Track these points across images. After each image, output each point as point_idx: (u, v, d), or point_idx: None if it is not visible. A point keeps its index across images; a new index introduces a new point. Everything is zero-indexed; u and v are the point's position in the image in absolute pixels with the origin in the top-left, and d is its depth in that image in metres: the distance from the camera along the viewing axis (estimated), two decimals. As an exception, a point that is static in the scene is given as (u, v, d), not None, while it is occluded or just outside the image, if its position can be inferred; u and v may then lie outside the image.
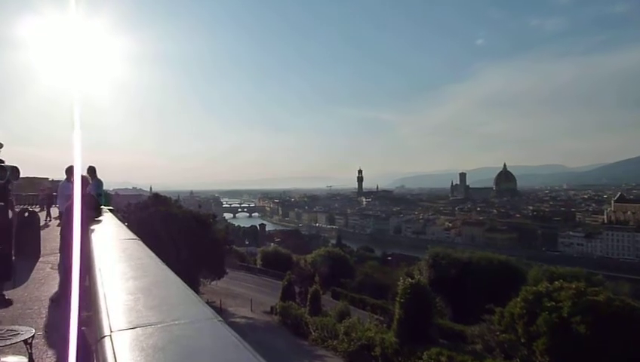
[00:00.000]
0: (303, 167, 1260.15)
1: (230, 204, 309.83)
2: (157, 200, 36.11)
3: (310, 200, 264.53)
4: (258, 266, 51.91)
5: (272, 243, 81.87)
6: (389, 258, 79.75)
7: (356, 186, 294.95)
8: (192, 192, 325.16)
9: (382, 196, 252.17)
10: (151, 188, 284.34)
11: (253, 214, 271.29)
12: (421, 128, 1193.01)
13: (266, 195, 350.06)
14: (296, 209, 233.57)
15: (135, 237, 4.31)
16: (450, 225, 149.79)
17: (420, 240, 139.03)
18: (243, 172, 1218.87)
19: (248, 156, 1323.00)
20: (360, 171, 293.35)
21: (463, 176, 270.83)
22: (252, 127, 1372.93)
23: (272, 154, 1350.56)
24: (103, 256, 2.71)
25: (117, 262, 2.54)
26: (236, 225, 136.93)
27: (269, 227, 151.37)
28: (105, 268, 2.35)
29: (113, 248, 3.37)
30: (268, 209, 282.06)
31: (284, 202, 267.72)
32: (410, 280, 17.99)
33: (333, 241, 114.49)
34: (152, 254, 2.85)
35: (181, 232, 28.98)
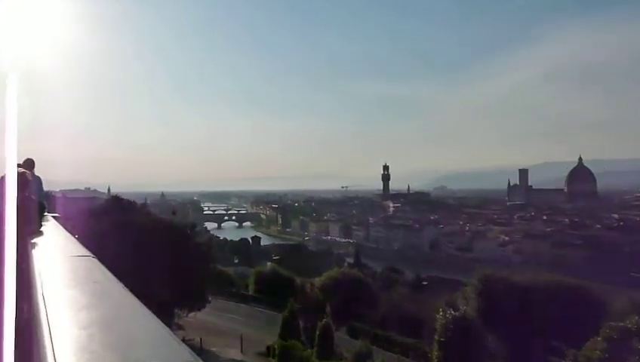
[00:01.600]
0: (309, 161, 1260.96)
1: (214, 211, 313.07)
2: (117, 204, 36.88)
3: (319, 206, 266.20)
4: (250, 292, 52.40)
5: (269, 263, 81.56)
6: (424, 282, 79.72)
7: (380, 187, 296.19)
8: (163, 194, 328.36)
9: (415, 200, 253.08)
10: (109, 189, 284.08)
11: (243, 224, 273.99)
12: (468, 109, 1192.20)
13: (260, 199, 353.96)
14: (300, 217, 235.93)
15: (89, 253, 4.29)
16: (507, 238, 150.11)
17: (465, 258, 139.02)
18: (230, 168, 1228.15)
19: (236, 147, 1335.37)
20: (386, 167, 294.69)
21: (523, 173, 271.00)
22: (239, 110, 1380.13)
23: (267, 145, 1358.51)
24: (48, 280, 2.64)
25: (66, 287, 2.46)
26: (222, 238, 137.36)
27: (264, 240, 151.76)
28: (50, 295, 2.25)
29: (61, 269, 3.30)
30: (263, 217, 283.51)
31: (284, 208, 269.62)
32: (452, 312, 17.95)
33: (350, 260, 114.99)
34: (112, 276, 2.85)
35: (150, 247, 29.55)
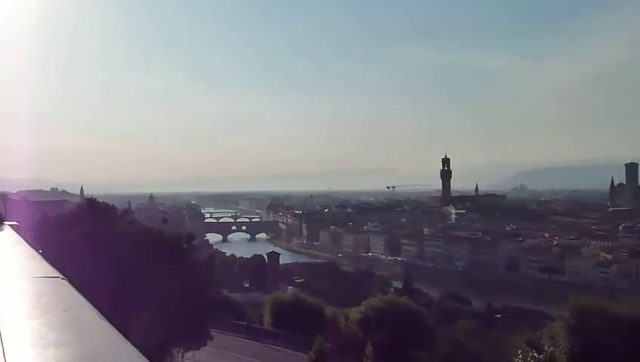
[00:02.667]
0: (344, 155, 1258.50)
1: (218, 218, 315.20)
2: (92, 210, 37.29)
3: (357, 212, 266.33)
4: (266, 326, 52.69)
5: (291, 287, 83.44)
6: (498, 315, 79.22)
7: (438, 186, 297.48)
8: (152, 196, 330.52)
9: (485, 204, 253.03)
10: (82, 190, 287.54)
11: (257, 235, 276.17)
12: (556, 86, 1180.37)
13: (278, 203, 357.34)
14: (332, 227, 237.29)
15: (57, 273, 4.30)
16: (609, 256, 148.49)
17: (552, 283, 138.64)
18: (238, 165, 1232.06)
19: (247, 137, 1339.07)
20: (446, 161, 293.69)
21: (632, 169, 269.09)
22: (252, 89, 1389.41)
23: (287, 133, 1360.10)
24: (3, 308, 2.60)
25: (27, 318, 2.43)
26: (228, 254, 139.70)
27: (284, 258, 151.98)
28: (7, 329, 2.23)
29: (20, 294, 3.26)
30: (283, 226, 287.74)
31: (310, 215, 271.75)
32: (535, 355, 17.71)
33: (398, 284, 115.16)
34: (86, 302, 2.82)
35: (134, 266, 29.80)
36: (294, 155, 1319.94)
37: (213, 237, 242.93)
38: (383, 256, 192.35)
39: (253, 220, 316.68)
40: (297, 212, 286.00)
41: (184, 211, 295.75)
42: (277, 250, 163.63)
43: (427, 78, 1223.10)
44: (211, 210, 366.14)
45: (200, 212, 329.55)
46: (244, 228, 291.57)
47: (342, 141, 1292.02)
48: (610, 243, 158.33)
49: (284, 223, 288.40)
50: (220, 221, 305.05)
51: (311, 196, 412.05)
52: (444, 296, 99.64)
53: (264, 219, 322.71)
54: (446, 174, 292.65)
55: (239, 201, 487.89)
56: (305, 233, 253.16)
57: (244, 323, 53.66)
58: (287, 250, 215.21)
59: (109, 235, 31.56)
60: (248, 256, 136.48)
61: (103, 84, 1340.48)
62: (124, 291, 27.56)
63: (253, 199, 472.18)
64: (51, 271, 4.62)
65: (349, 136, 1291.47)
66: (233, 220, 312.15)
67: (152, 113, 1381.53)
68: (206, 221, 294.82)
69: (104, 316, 2.45)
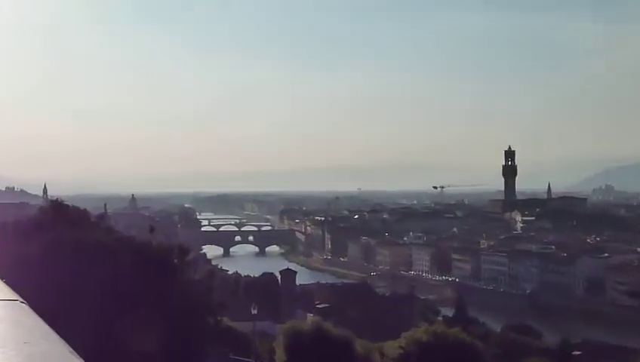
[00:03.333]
0: (377, 144, 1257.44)
1: (218, 226, 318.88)
2: (59, 214, 37.89)
3: (395, 219, 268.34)
4: (278, 363, 52.70)
5: (311, 315, 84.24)
6: (577, 351, 78.19)
7: (500, 186, 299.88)
8: (134, 198, 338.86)
9: (560, 210, 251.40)
10: (45, 190, 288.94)
11: (267, 248, 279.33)
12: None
13: (294, 206, 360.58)
14: (363, 238, 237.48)
15: (15, 295, 4.31)
16: None
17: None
18: (244, 158, 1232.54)
19: (253, 122, 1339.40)
20: (510, 154, 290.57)
21: None
22: (261, 56, 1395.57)
23: (307, 117, 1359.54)
24: None
25: None
26: (231, 272, 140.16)
27: (302, 276, 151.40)
28: None
29: None
30: (301, 236, 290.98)
31: (336, 222, 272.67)
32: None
33: (448, 311, 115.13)
34: (53, 333, 2.81)
35: (113, 288, 29.80)
36: (315, 146, 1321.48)
37: (211, 250, 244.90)
38: (429, 275, 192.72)
39: (263, 229, 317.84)
40: (319, 218, 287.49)
41: (175, 217, 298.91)
42: (293, 266, 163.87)
43: (486, 49, 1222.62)
44: (210, 215, 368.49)
45: (195, 218, 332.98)
46: (251, 238, 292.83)
47: (375, 127, 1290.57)
48: None
49: (301, 233, 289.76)
50: (220, 230, 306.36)
51: (337, 198, 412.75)
52: (507, 326, 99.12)
53: (276, 228, 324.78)
54: (510, 171, 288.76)
55: (245, 205, 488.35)
56: (329, 245, 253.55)
57: (250, 360, 53.77)
58: (305, 266, 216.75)
59: (79, 248, 31.55)
60: (256, 275, 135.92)
61: (67, 55, 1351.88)
62: (99, 319, 27.44)
63: (263, 202, 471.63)
64: (8, 292, 4.61)
65: (384, 121, 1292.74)
66: (237, 228, 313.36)
67: (133, 92, 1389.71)
68: (203, 229, 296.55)
69: (74, 349, 2.44)
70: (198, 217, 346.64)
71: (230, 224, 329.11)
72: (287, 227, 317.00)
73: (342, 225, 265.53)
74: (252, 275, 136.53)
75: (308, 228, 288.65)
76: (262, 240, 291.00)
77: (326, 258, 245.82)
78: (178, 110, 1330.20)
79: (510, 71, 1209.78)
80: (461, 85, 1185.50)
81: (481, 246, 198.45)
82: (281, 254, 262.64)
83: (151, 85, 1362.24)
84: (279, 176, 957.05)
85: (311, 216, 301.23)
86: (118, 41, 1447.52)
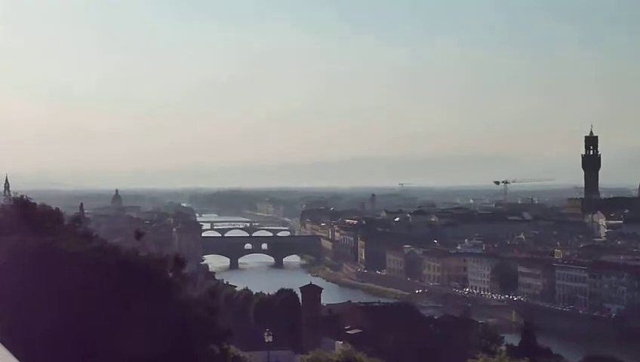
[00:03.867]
0: (422, 128, 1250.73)
1: (222, 232, 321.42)
2: (24, 215, 37.11)
3: (446, 222, 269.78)
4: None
5: (339, 342, 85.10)
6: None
7: (579, 182, 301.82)
8: (118, 195, 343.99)
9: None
10: (7, 184, 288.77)
11: (285, 259, 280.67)
12: None
13: (320, 206, 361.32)
14: (406, 246, 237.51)
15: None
16: None
17: None
18: (256, 146, 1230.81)
19: (269, 102, 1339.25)
20: (591, 141, 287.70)
21: None
22: (279, 18, 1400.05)
23: (335, 94, 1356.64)
24: None
25: None
26: (239, 288, 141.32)
27: (330, 294, 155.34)
28: None
29: None
30: (327, 244, 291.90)
31: (371, 226, 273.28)
32: None
33: (513, 339, 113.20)
34: None
35: (90, 309, 28.82)
36: (345, 133, 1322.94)
37: (215, 261, 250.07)
38: (488, 294, 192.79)
39: (280, 234, 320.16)
40: (350, 221, 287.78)
41: (170, 219, 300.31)
42: (317, 282, 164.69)
43: (555, 12, 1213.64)
44: (213, 217, 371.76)
45: (195, 221, 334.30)
46: (264, 246, 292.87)
47: (421, 109, 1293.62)
48: None
49: (328, 239, 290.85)
50: (226, 235, 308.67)
51: (372, 196, 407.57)
52: (588, 359, 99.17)
53: (297, 233, 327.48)
54: (591, 162, 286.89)
55: (257, 204, 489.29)
56: (362, 255, 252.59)
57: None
58: (333, 282, 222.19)
59: (47, 259, 30.54)
60: (271, 292, 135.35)
61: (26, 19, 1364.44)
62: (71, 351, 26.66)
63: (280, 201, 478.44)
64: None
65: (431, 102, 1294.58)
66: (247, 234, 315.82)
67: (112, 65, 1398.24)
68: (204, 235, 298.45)
69: None
70: (198, 220, 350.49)
71: (238, 228, 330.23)
72: (310, 232, 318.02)
73: (379, 229, 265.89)
74: (266, 293, 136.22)
75: (336, 233, 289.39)
76: (278, 248, 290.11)
77: (359, 271, 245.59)
78: (173, 90, 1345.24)
79: (588, 37, 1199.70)
80: (525, 58, 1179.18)
81: (555, 258, 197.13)
82: (303, 266, 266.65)
83: (139, 60, 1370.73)
84: (300, 169, 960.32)
85: (340, 219, 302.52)
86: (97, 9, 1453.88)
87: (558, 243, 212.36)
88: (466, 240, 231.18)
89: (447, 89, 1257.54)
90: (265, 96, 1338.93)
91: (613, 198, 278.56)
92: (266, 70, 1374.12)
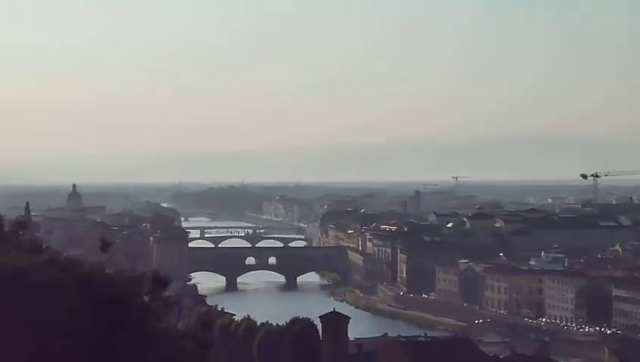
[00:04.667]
0: (483, 107, 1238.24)
1: (216, 243, 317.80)
2: None
3: (513, 229, 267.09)
4: None
5: None
6: None
7: None
8: (76, 191, 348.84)
9: None
10: None
11: (300, 278, 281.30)
12: None
13: (345, 205, 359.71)
14: (462, 260, 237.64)
15: None
16: None
17: None
18: (259, 128, 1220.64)
19: (278, 75, 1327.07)
20: None
21: None
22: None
23: (372, 64, 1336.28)
24: None
25: None
26: (238, 317, 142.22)
27: (359, 324, 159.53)
28: None
29: None
30: (356, 258, 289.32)
31: (414, 232, 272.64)
32: None
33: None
34: None
35: (40, 345, 27.79)
36: (381, 110, 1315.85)
37: (207, 281, 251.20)
38: (572, 325, 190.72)
39: (293, 245, 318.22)
40: (388, 228, 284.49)
41: (145, 225, 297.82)
42: (343, 308, 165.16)
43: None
44: (204, 221, 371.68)
45: (180, 227, 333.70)
46: (272, 261, 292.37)
47: (482, 83, 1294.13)
48: None
49: (358, 252, 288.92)
50: (221, 246, 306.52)
51: (417, 194, 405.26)
52: None
53: (315, 243, 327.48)
54: None
55: (263, 205, 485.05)
56: (404, 273, 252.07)
57: None
58: (364, 309, 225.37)
59: None
60: (282, 322, 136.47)
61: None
62: None
63: (294, 201, 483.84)
64: None
65: (493, 73, 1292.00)
66: (250, 244, 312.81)
67: (74, 22, 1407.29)
68: (192, 245, 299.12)
69: None
70: (184, 225, 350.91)
71: (238, 236, 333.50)
72: (333, 242, 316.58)
73: (426, 238, 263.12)
74: (274, 323, 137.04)
75: (369, 243, 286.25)
76: (291, 264, 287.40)
77: (399, 294, 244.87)
78: (151, 54, 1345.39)
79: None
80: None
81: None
82: (324, 288, 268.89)
83: (111, 15, 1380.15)
84: (321, 157, 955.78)
85: (374, 225, 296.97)
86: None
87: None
88: (543, 252, 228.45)
89: (514, 59, 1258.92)
90: (268, 70, 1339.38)
91: None
92: (271, 30, 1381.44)
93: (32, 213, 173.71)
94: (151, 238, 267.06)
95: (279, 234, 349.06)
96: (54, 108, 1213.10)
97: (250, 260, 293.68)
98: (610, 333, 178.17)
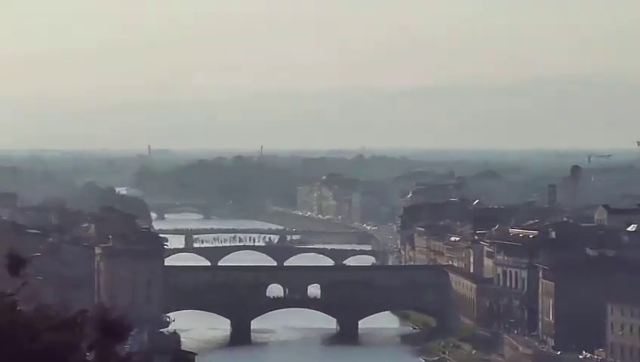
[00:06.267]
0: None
1: (215, 259, 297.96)
2: None
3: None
4: None
5: None
6: None
7: None
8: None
9: None
10: None
11: (364, 321, 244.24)
12: None
13: (449, 191, 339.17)
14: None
15: None
16: None
17: None
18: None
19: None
20: None
21: None
22: None
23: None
24: None
25: None
26: None
27: None
28: None
29: None
30: (465, 292, 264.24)
31: (566, 237, 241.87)
32: None
33: None
34: None
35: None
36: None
37: (197, 326, 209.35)
38: None
39: (350, 262, 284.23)
40: (522, 234, 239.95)
41: (87, 226, 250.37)
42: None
43: None
44: (191, 220, 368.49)
45: (149, 229, 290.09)
46: (314, 291, 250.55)
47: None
48: None
49: (467, 275, 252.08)
50: (220, 264, 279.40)
51: (575, 171, 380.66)
52: None
53: (392, 260, 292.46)
54: None
55: (297, 190, 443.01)
56: (551, 313, 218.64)
57: None
58: None
59: None
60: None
61: None
62: None
63: (350, 182, 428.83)
64: None
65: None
66: (274, 261, 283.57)
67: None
68: (171, 262, 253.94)
69: None
70: (157, 226, 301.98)
71: (252, 247, 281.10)
72: (423, 258, 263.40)
73: (591, 252, 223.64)
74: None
75: (488, 260, 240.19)
76: (347, 296, 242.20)
77: (541, 350, 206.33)
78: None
79: None
80: None
81: None
82: (406, 339, 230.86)
83: None
84: (400, 101, 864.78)
85: (497, 226, 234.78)
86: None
87: None
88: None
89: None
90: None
91: None
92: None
93: None
94: (97, 250, 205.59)
95: (326, 243, 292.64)
96: None
97: (275, 290, 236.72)
98: None
